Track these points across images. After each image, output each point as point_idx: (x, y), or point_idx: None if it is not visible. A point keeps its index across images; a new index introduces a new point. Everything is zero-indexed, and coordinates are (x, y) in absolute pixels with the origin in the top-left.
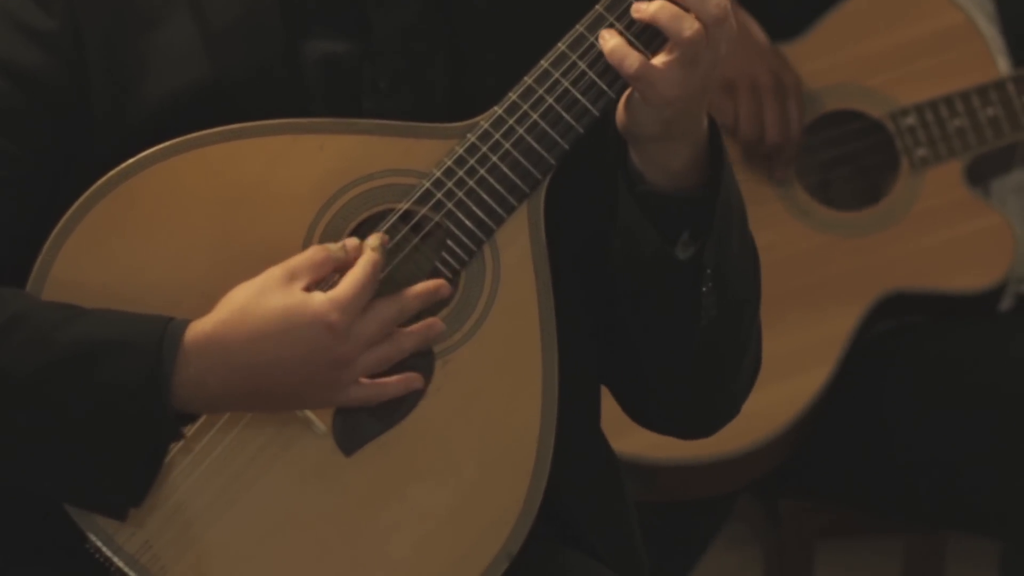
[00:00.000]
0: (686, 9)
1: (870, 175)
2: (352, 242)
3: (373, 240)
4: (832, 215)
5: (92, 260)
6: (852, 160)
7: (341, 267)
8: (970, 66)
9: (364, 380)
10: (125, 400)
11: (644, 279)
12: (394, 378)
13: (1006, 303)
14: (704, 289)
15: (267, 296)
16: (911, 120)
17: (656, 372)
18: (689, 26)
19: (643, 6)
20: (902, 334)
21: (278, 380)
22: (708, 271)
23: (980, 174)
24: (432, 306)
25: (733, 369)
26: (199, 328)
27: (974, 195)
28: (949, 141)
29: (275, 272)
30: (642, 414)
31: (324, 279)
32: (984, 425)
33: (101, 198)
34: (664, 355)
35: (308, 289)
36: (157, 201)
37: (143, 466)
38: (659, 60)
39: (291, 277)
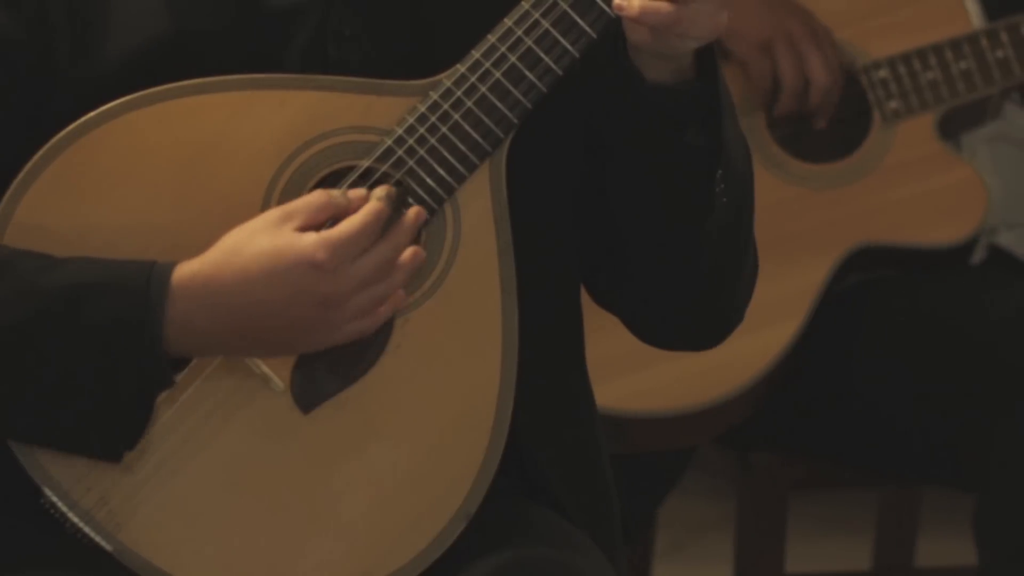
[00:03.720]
0: None
1: (842, 128)
2: (356, 192)
3: (380, 191)
4: (804, 167)
5: (52, 213)
6: None
7: (340, 214)
8: (943, 19)
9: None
10: (115, 340)
11: (657, 177)
12: (383, 307)
13: (978, 256)
14: (717, 178)
15: (257, 236)
16: (884, 73)
17: (670, 277)
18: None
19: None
20: (873, 286)
21: (266, 322)
22: (720, 156)
23: (951, 129)
24: None
25: (738, 268)
26: (187, 268)
27: (946, 148)
28: (921, 94)
29: (271, 214)
30: (653, 330)
31: (321, 223)
32: (955, 378)
33: (62, 151)
34: (680, 254)
35: (302, 231)
36: (117, 155)
37: (136, 405)
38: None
39: (285, 218)
